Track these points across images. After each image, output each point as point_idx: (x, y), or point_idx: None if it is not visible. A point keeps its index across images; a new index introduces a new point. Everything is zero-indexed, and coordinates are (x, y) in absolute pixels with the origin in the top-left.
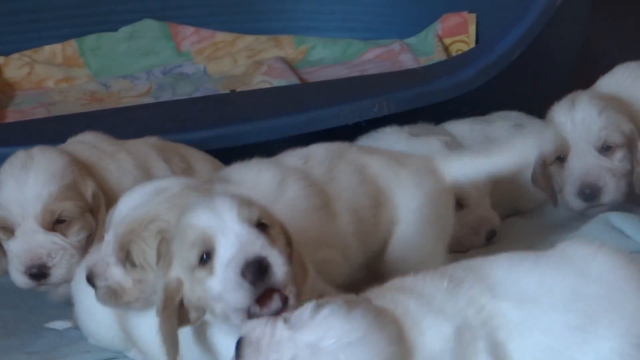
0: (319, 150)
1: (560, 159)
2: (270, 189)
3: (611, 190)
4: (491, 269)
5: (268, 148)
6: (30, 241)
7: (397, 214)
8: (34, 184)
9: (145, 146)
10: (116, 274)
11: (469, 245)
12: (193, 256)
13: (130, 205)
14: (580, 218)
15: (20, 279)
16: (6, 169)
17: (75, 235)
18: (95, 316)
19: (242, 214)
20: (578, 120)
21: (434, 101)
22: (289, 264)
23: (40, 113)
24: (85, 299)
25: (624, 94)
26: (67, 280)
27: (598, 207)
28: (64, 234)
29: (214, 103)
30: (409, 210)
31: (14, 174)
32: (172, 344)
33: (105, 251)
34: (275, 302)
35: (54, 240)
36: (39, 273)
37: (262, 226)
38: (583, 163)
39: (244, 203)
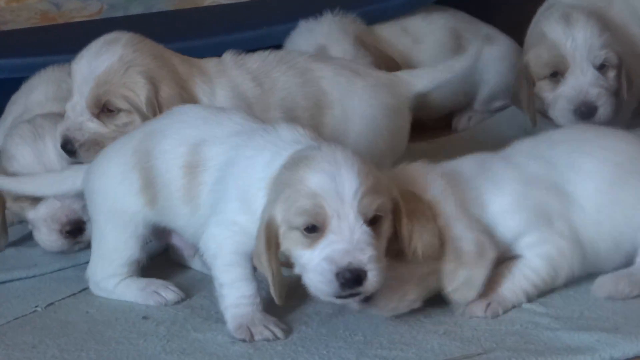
0: (264, 55)
1: (554, 75)
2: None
3: (606, 108)
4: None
5: None
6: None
7: (348, 121)
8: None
9: None
10: (93, 126)
11: None
12: (298, 221)
13: (86, 66)
14: None
15: (54, 242)
16: (17, 140)
17: None
18: None
19: (364, 204)
20: (580, 38)
21: (385, 19)
22: (384, 271)
23: None
24: None
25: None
26: None
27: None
28: None
29: (165, 19)
30: (362, 120)
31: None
32: (279, 283)
33: (74, 114)
34: (357, 298)
35: None
36: (74, 229)
37: (375, 219)
38: (582, 81)
39: (369, 188)
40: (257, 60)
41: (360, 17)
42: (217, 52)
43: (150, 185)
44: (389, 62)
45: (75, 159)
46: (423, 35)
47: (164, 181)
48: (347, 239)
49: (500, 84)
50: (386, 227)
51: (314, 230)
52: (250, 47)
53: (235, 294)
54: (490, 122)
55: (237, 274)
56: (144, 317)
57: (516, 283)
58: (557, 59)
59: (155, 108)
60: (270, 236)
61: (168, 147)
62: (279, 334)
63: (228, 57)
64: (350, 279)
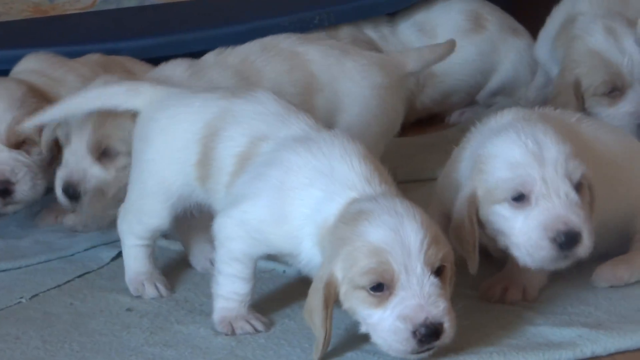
0: (247, 46)
1: (612, 91)
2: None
3: None
4: None
5: None
6: None
7: (340, 103)
8: None
9: (89, 65)
10: (96, 172)
11: None
12: (363, 281)
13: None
14: None
15: None
16: None
17: (38, 154)
18: None
19: (429, 255)
20: (635, 54)
21: (376, 14)
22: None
23: None
24: None
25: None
26: (33, 198)
27: None
28: (28, 153)
29: (156, 12)
30: (353, 101)
31: None
32: (328, 343)
33: (76, 158)
34: (430, 351)
35: (17, 157)
36: (2, 189)
37: (440, 269)
38: None
39: (433, 238)
40: (240, 53)
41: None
42: (210, 46)
43: (206, 164)
44: None
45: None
46: (436, 27)
47: (218, 165)
48: (417, 294)
49: (512, 78)
50: (450, 274)
51: (380, 288)
52: (244, 40)
53: (229, 287)
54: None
55: (237, 270)
56: (128, 309)
57: None
58: (614, 76)
59: None
60: (329, 295)
61: (234, 135)
62: (259, 326)
63: (209, 56)
64: (428, 335)
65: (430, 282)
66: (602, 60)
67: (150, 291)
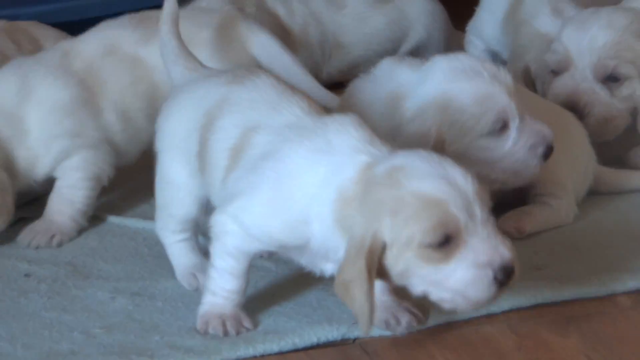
0: (90, 44)
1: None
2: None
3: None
4: None
5: None
6: None
7: None
8: None
9: None
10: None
11: None
12: (431, 238)
13: None
14: None
15: None
16: None
17: None
18: None
19: (482, 196)
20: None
21: None
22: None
23: None
24: None
25: None
26: None
27: None
28: None
29: None
30: None
31: None
32: (370, 309)
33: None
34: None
35: None
36: None
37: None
38: None
39: (477, 179)
40: (86, 57)
41: None
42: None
43: (203, 156)
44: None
45: None
46: None
47: (213, 159)
48: (486, 238)
49: (425, 41)
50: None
51: (447, 241)
52: (140, 6)
53: (219, 283)
54: None
55: (229, 266)
56: (26, 275)
57: None
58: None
59: None
60: (372, 263)
61: (227, 125)
62: (233, 332)
63: (53, 55)
64: (507, 276)
65: (492, 223)
66: (549, 43)
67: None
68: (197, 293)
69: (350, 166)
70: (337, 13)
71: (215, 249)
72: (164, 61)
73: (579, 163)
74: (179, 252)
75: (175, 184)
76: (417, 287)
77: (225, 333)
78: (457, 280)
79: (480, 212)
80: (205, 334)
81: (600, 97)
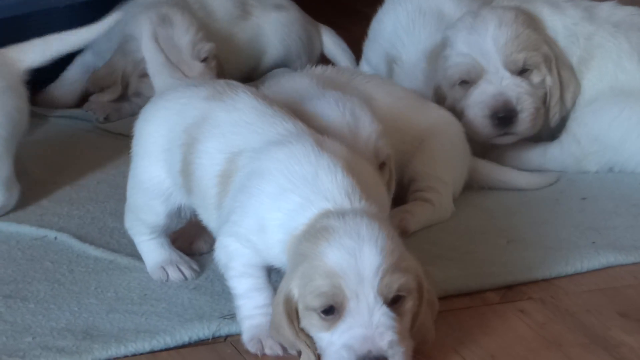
0: None
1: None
2: None
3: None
4: None
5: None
6: None
7: None
8: None
9: None
10: None
11: None
12: (314, 303)
13: None
14: None
15: None
16: None
17: None
18: None
19: (384, 284)
20: (490, 47)
21: None
22: (408, 352)
23: None
24: None
25: None
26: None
27: None
28: None
29: None
30: None
31: None
32: (314, 349)
33: None
34: None
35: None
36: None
37: (397, 298)
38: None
39: (391, 266)
40: None
41: None
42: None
43: (188, 176)
44: None
45: None
46: (211, 6)
47: (200, 185)
48: (365, 323)
49: (283, 55)
50: (409, 305)
51: (331, 311)
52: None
53: (248, 305)
54: None
55: (250, 285)
56: None
57: None
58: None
59: None
60: (290, 311)
61: (211, 151)
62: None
63: None
64: None
65: (381, 312)
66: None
67: (173, 275)
68: (74, 294)
69: (314, 208)
70: (210, 25)
71: (231, 278)
72: (150, 73)
73: (456, 159)
74: (148, 249)
75: (150, 191)
76: (318, 347)
77: (285, 350)
78: (330, 354)
79: (372, 298)
80: (265, 358)
81: (526, 90)
